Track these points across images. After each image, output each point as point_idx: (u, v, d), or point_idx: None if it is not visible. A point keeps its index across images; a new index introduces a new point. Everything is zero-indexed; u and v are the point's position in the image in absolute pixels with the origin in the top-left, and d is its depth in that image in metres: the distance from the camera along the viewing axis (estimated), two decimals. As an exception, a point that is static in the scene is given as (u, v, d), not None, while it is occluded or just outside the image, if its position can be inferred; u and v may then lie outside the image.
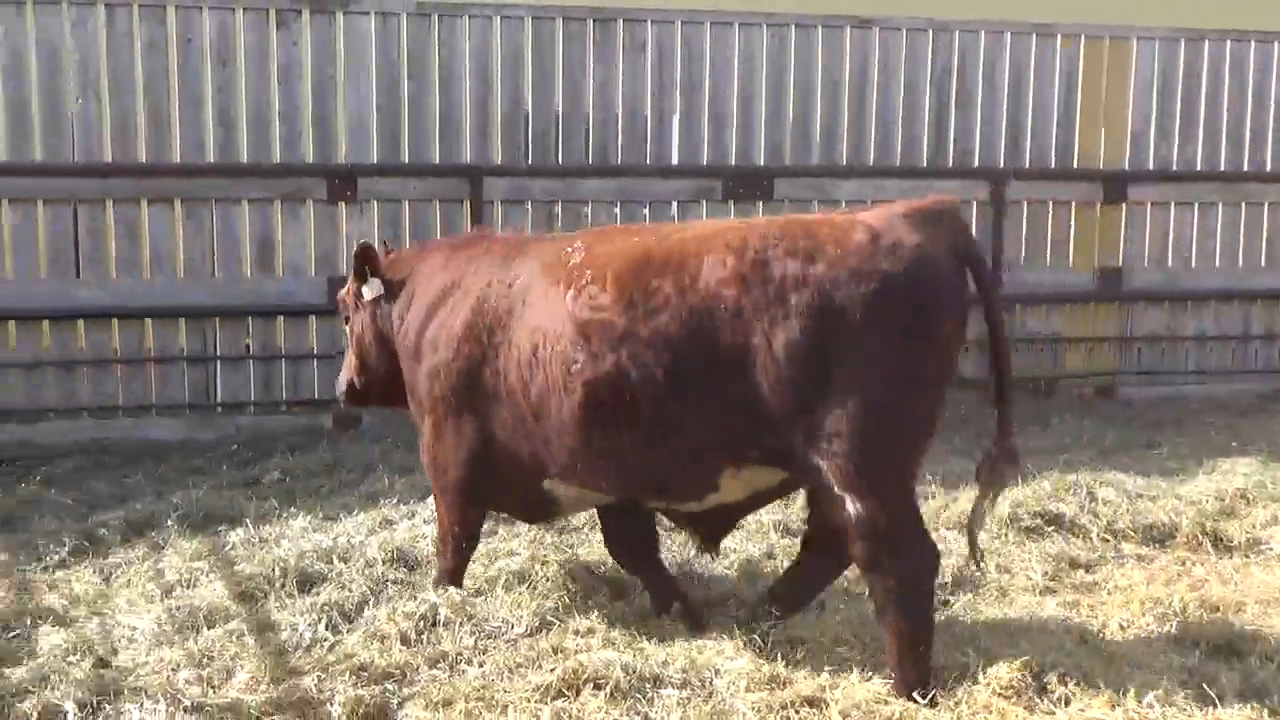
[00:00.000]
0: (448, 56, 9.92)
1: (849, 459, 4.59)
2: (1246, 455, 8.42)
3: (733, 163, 10.47)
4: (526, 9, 10.07)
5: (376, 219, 9.63)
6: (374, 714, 4.67)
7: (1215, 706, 4.50)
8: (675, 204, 10.27)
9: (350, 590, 5.78)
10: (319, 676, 4.89)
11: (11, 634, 5.39)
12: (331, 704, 4.67)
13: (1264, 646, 5.11)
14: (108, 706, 4.67)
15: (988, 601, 5.78)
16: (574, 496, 5.46)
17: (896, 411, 4.63)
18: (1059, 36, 11.05)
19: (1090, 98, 11.17)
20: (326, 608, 5.56)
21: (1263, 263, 11.55)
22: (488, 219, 9.63)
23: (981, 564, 5.60)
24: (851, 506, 4.63)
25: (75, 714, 4.59)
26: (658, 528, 5.87)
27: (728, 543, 6.51)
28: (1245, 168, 11.47)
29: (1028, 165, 11.06)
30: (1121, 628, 5.39)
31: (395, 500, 7.21)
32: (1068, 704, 4.55)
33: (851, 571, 5.97)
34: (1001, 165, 10.96)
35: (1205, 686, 4.62)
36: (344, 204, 9.62)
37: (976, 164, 10.98)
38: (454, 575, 5.74)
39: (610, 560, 6.23)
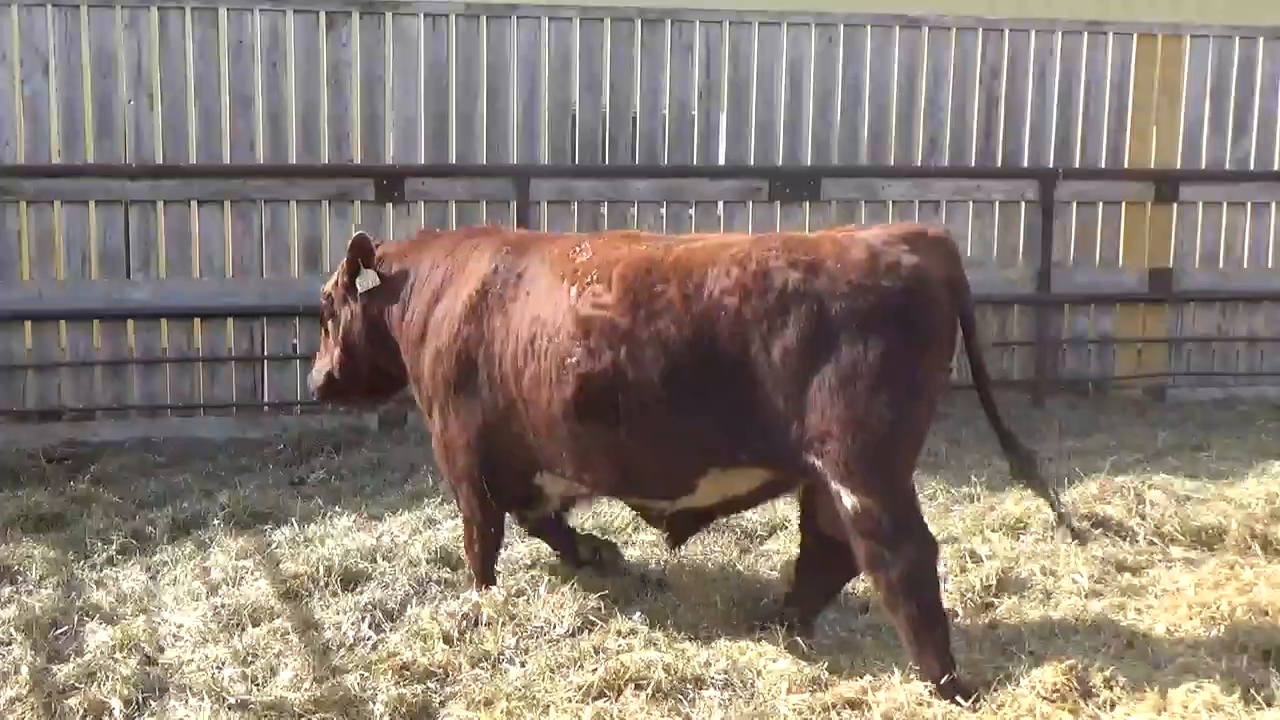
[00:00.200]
0: (496, 58, 9.94)
1: (843, 461, 4.74)
2: (1297, 458, 8.31)
3: (780, 163, 10.43)
4: (575, 10, 10.07)
5: (423, 220, 9.66)
6: (416, 713, 4.70)
7: (1263, 710, 4.47)
8: (721, 205, 10.24)
9: (393, 589, 5.82)
10: (362, 675, 4.94)
11: (60, 631, 5.45)
12: (374, 702, 4.71)
13: (1313, 652, 5.05)
14: (153, 703, 4.74)
15: (1033, 604, 5.73)
16: (560, 491, 5.67)
17: (888, 418, 4.75)
18: (1110, 35, 10.94)
19: (1142, 96, 11.05)
20: (370, 607, 5.60)
21: (1316, 264, 11.38)
22: (534, 220, 9.64)
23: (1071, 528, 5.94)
24: (848, 502, 4.77)
25: (121, 710, 4.66)
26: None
27: (771, 545, 6.54)
28: (1299, 167, 11.30)
29: (1077, 165, 10.94)
30: (1168, 631, 5.35)
31: (439, 500, 7.22)
32: (1113, 708, 4.52)
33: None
34: (1051, 165, 10.85)
35: (1253, 691, 4.59)
36: (391, 205, 9.66)
37: (1025, 163, 10.87)
38: (483, 564, 5.82)
39: (653, 561, 6.25)
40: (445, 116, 9.90)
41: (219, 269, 9.51)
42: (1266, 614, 5.49)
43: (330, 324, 6.32)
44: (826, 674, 4.88)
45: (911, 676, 4.76)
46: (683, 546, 5.97)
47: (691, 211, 10.17)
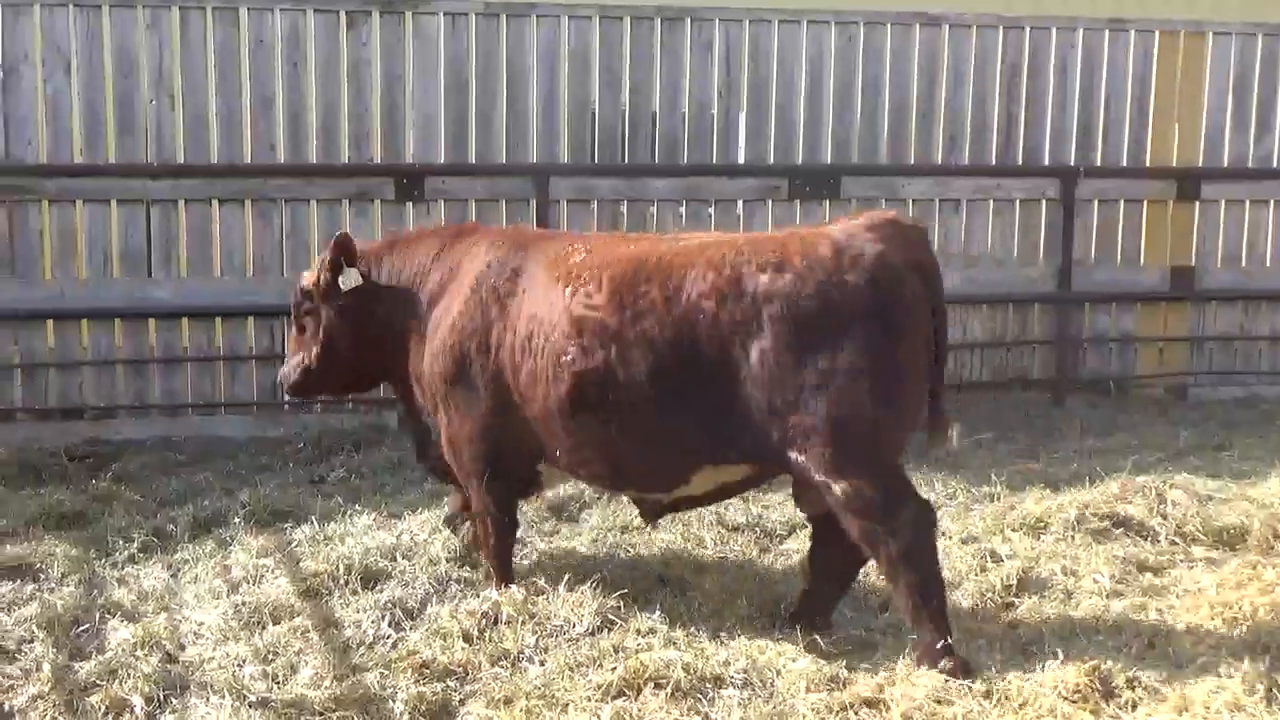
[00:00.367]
0: (515, 56, 9.95)
1: (827, 456, 4.89)
2: (1321, 457, 8.26)
3: (799, 161, 10.41)
4: (594, 9, 10.07)
5: (443, 218, 9.67)
6: (436, 711, 4.71)
7: (1286, 712, 4.44)
8: (741, 203, 10.24)
9: (413, 588, 5.83)
10: (382, 673, 4.95)
11: (81, 628, 5.47)
12: (394, 700, 4.71)
13: (1336, 652, 5.02)
14: (174, 701, 4.76)
15: (1054, 604, 5.71)
16: (558, 480, 5.98)
17: (867, 409, 4.88)
18: (1132, 32, 10.89)
19: (1164, 94, 11.00)
20: (390, 605, 5.61)
21: (1340, 262, 11.31)
22: (553, 219, 9.65)
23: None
24: (837, 488, 4.91)
25: (142, 708, 4.67)
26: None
27: (790, 544, 6.54)
28: (1324, 165, 11.23)
29: (1099, 163, 10.90)
30: (1190, 631, 5.31)
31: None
32: (1135, 709, 4.51)
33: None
34: (1072, 163, 10.82)
35: (1275, 691, 4.55)
36: (411, 204, 9.68)
37: (1046, 162, 10.85)
38: (499, 557, 5.86)
39: (673, 560, 6.26)
40: (465, 115, 9.91)
41: (240, 268, 9.54)
42: (1289, 614, 5.47)
43: (308, 320, 6.33)
44: (845, 673, 4.87)
45: (931, 674, 4.74)
46: (656, 523, 6.20)
47: (711, 210, 10.16)
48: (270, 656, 5.13)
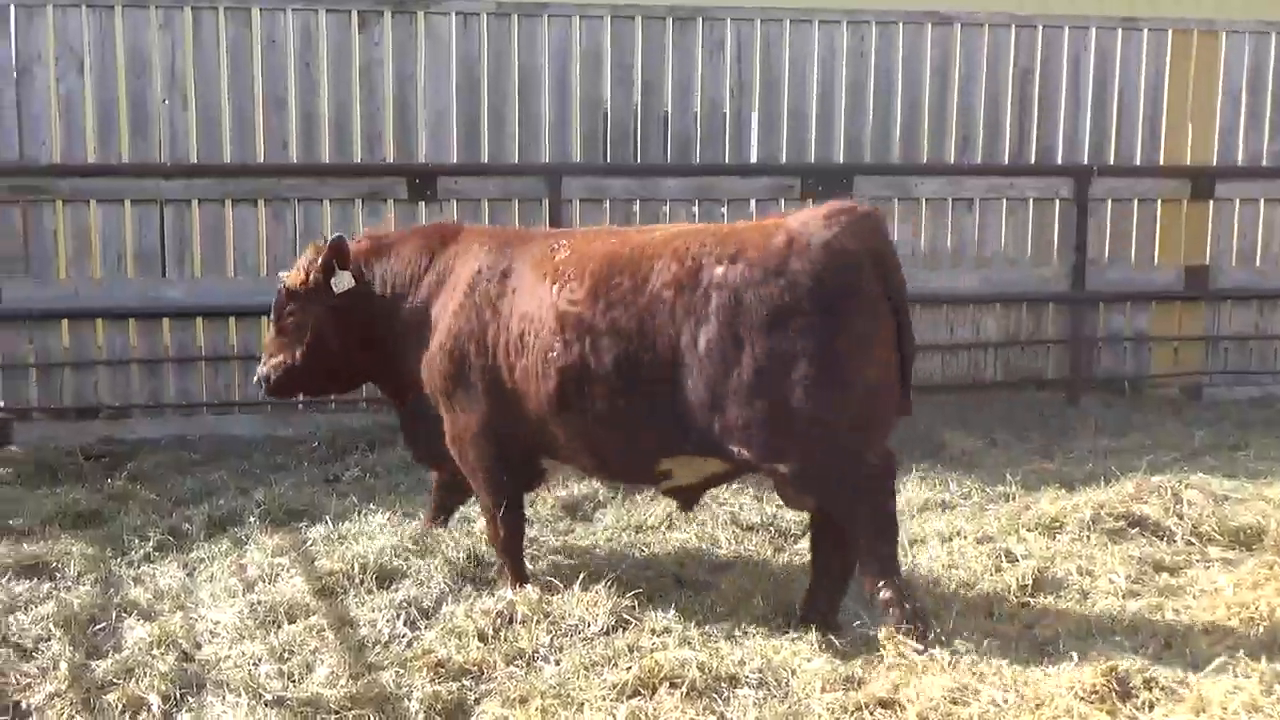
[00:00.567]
0: (527, 56, 9.96)
1: (767, 439, 5.04)
2: (1337, 457, 8.24)
3: (812, 161, 10.40)
4: (606, 8, 10.08)
5: (456, 218, 9.68)
6: (451, 710, 4.70)
7: (1304, 712, 4.41)
8: (754, 203, 10.23)
9: (428, 587, 5.83)
10: (397, 672, 4.95)
11: (98, 627, 5.48)
12: (409, 699, 4.71)
13: (1354, 652, 5.00)
14: (191, 699, 4.76)
15: (1069, 604, 5.69)
16: (559, 473, 6.25)
17: (810, 390, 4.96)
18: (1145, 31, 10.87)
19: (1177, 92, 10.98)
20: (405, 604, 5.61)
21: (1355, 261, 11.28)
22: (566, 218, 9.65)
23: None
24: (783, 469, 5.10)
25: (159, 706, 4.68)
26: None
27: (805, 544, 6.50)
28: (1338, 163, 11.20)
29: (1112, 161, 10.89)
30: (1207, 632, 5.30)
31: (473, 498, 7.22)
32: (1151, 709, 4.48)
33: (927, 575, 5.96)
34: (1085, 162, 10.80)
35: (1293, 692, 4.53)
36: (424, 203, 9.68)
37: (1059, 160, 10.84)
38: (510, 553, 5.90)
39: (688, 559, 6.26)
40: (477, 115, 9.92)
41: (253, 267, 9.55)
42: (1306, 614, 5.45)
43: (290, 320, 6.35)
44: (860, 672, 4.86)
45: (948, 676, 4.73)
46: (694, 509, 6.20)
47: (724, 210, 10.16)
48: (286, 655, 5.13)
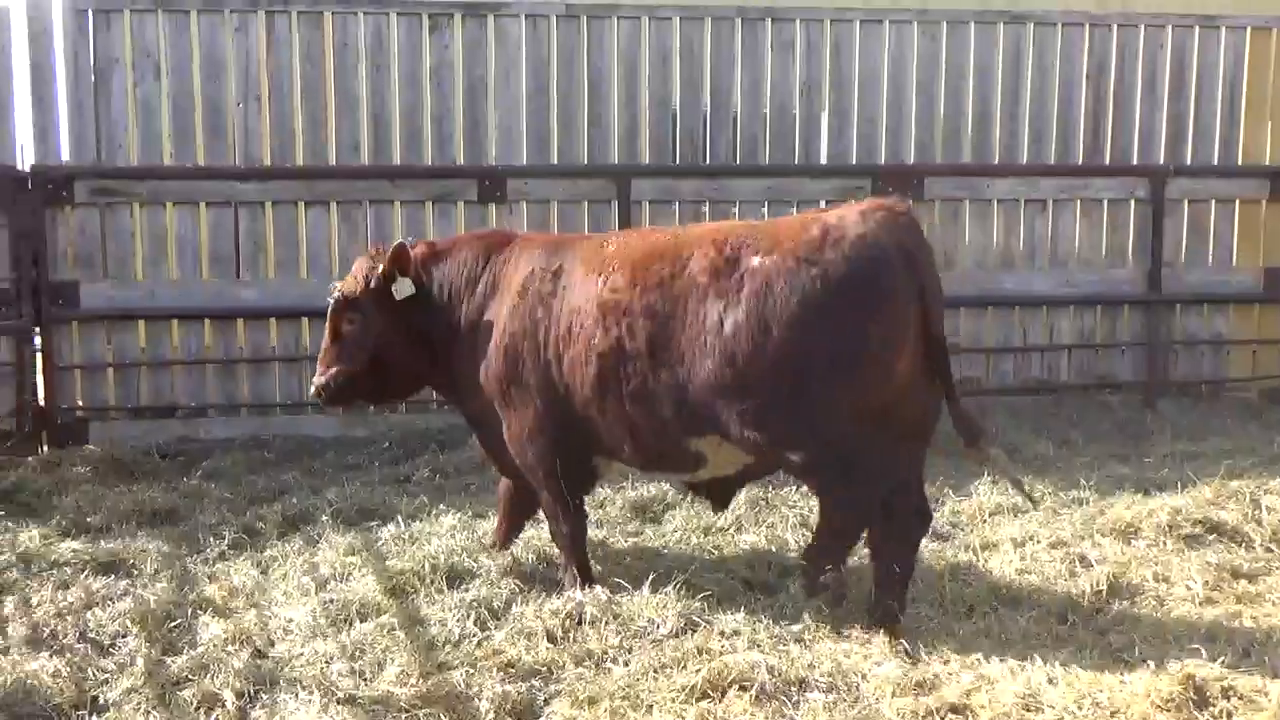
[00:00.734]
0: (596, 58, 9.98)
1: (782, 426, 5.18)
2: None
3: (882, 161, 10.34)
4: (675, 9, 10.08)
5: (525, 220, 9.72)
6: (521, 710, 4.72)
7: (1386, 722, 4.33)
8: (823, 204, 10.16)
9: (498, 587, 5.86)
10: (467, 672, 4.97)
11: (174, 623, 5.56)
12: (479, 699, 4.73)
13: None
14: (264, 696, 4.81)
15: (1145, 610, 5.61)
16: (610, 472, 6.16)
17: (829, 378, 5.09)
18: (1223, 29, 10.70)
19: (1256, 91, 10.80)
20: (475, 604, 5.64)
21: None
22: (635, 220, 9.64)
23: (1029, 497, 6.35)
24: (795, 458, 5.25)
25: (233, 703, 4.73)
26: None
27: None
28: None
29: (1189, 162, 10.73)
30: (1286, 640, 5.20)
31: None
32: (1229, 718, 4.41)
33: (999, 580, 5.91)
34: (1161, 162, 10.65)
35: (1375, 702, 4.44)
36: (493, 205, 9.72)
37: (1135, 161, 10.69)
38: (575, 550, 5.95)
39: (757, 561, 6.24)
40: (546, 116, 9.95)
41: (325, 269, 9.62)
42: (1389, 622, 5.34)
43: (348, 328, 6.36)
44: (931, 677, 4.82)
45: (1019, 681, 4.68)
46: (727, 509, 6.39)
47: (793, 211, 10.09)
48: (357, 654, 5.17)
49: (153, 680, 4.92)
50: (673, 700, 4.66)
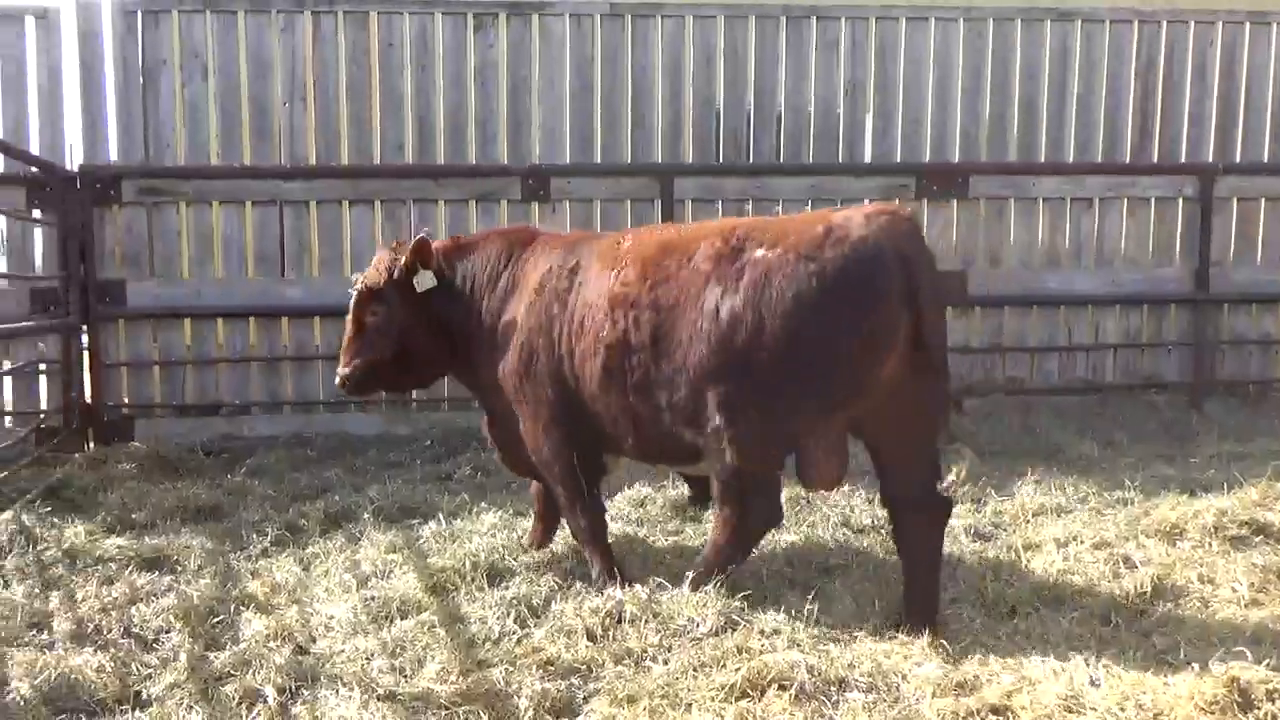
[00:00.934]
0: (640, 56, 9.99)
1: (743, 410, 5.26)
2: None
3: (926, 160, 10.30)
4: (719, 8, 10.07)
5: (569, 219, 9.73)
6: (560, 708, 4.70)
7: None
8: (867, 203, 10.11)
9: (538, 585, 5.85)
10: (507, 669, 4.95)
11: (217, 619, 5.60)
12: (519, 697, 4.72)
13: None
14: (305, 692, 4.81)
15: (1190, 612, 5.55)
16: (614, 464, 6.20)
17: (808, 375, 5.15)
18: (1274, 25, 10.59)
19: (1309, 88, 10.70)
20: (515, 601, 5.63)
21: None
22: (678, 219, 9.64)
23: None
24: (728, 455, 5.32)
25: (275, 698, 4.73)
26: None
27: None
28: None
29: (1238, 160, 10.62)
30: (1335, 644, 5.13)
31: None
32: (1275, 722, 4.35)
33: (1042, 580, 5.86)
34: (1210, 160, 10.55)
35: None
36: (537, 204, 9.74)
37: (1183, 159, 10.60)
38: (595, 542, 6.00)
39: (797, 561, 6.21)
40: (590, 115, 9.97)
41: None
42: None
43: (371, 319, 6.45)
44: (972, 678, 4.77)
45: (1061, 682, 4.64)
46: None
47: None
48: (398, 650, 5.18)
49: (195, 675, 4.94)
50: (712, 699, 4.64)
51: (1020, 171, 10.31)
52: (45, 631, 5.48)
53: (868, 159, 10.40)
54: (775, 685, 4.68)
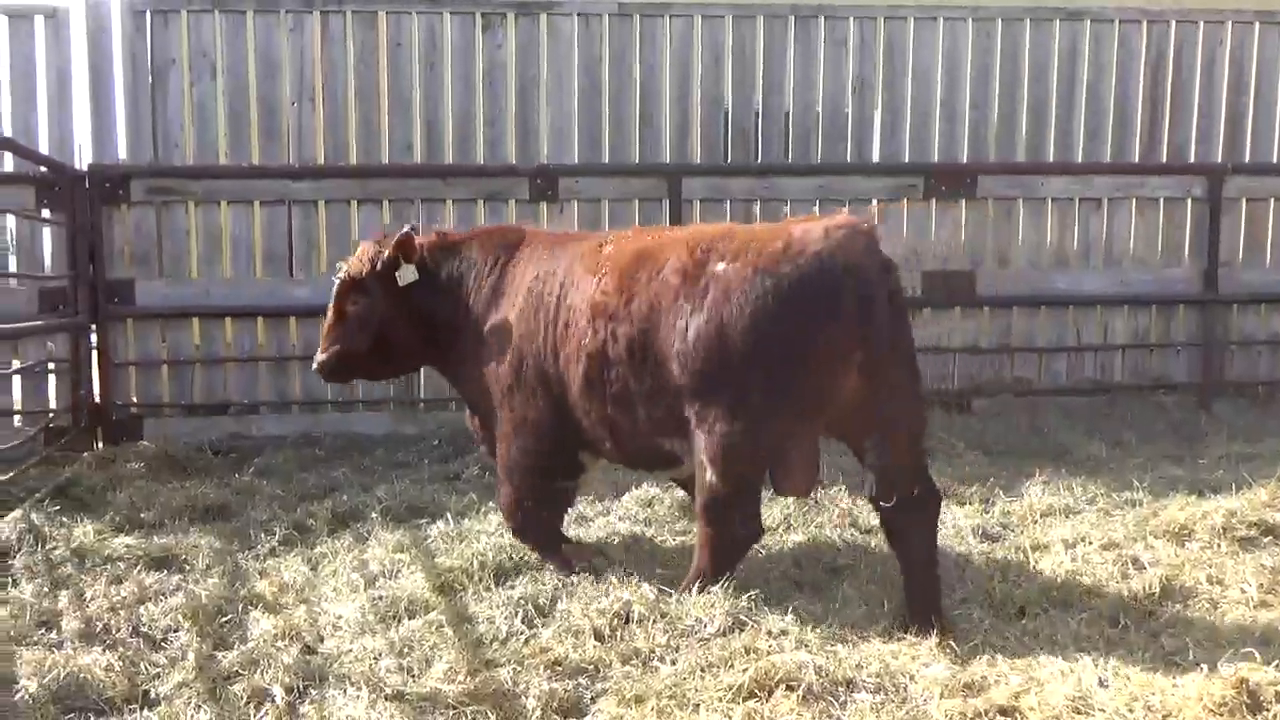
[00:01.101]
0: (648, 56, 9.99)
1: (716, 428, 5.29)
2: None
3: (935, 160, 10.29)
4: (727, 7, 10.07)
5: (576, 218, 9.74)
6: (567, 708, 4.70)
7: None
8: (876, 203, 10.13)
9: (545, 585, 5.85)
10: (514, 669, 4.95)
11: (225, 618, 5.60)
12: (526, 696, 4.71)
13: None
14: (313, 692, 4.81)
15: (1198, 613, 5.54)
16: (594, 467, 6.29)
17: (766, 388, 5.21)
18: (1283, 25, 10.59)
19: (1317, 88, 10.68)
20: (522, 601, 5.63)
21: None
22: (686, 219, 9.63)
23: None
24: (708, 474, 5.34)
25: (283, 698, 4.74)
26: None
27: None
28: None
29: (1247, 160, 10.60)
30: (1344, 646, 5.11)
31: (590, 496, 7.27)
32: (1284, 723, 4.34)
33: (1050, 581, 5.85)
34: (1219, 160, 10.53)
35: None
36: (545, 204, 9.75)
37: (1192, 159, 10.58)
38: (537, 540, 6.23)
39: (805, 561, 6.21)
40: (598, 115, 9.98)
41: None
42: None
43: (351, 308, 6.53)
44: (980, 679, 4.77)
45: (1069, 683, 4.63)
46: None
47: (846, 210, 10.06)
48: (406, 650, 5.18)
49: (203, 675, 4.95)
50: (719, 699, 4.64)
51: (1028, 171, 10.30)
52: (54, 630, 5.48)
53: (876, 158, 10.39)
54: (783, 686, 4.67)
